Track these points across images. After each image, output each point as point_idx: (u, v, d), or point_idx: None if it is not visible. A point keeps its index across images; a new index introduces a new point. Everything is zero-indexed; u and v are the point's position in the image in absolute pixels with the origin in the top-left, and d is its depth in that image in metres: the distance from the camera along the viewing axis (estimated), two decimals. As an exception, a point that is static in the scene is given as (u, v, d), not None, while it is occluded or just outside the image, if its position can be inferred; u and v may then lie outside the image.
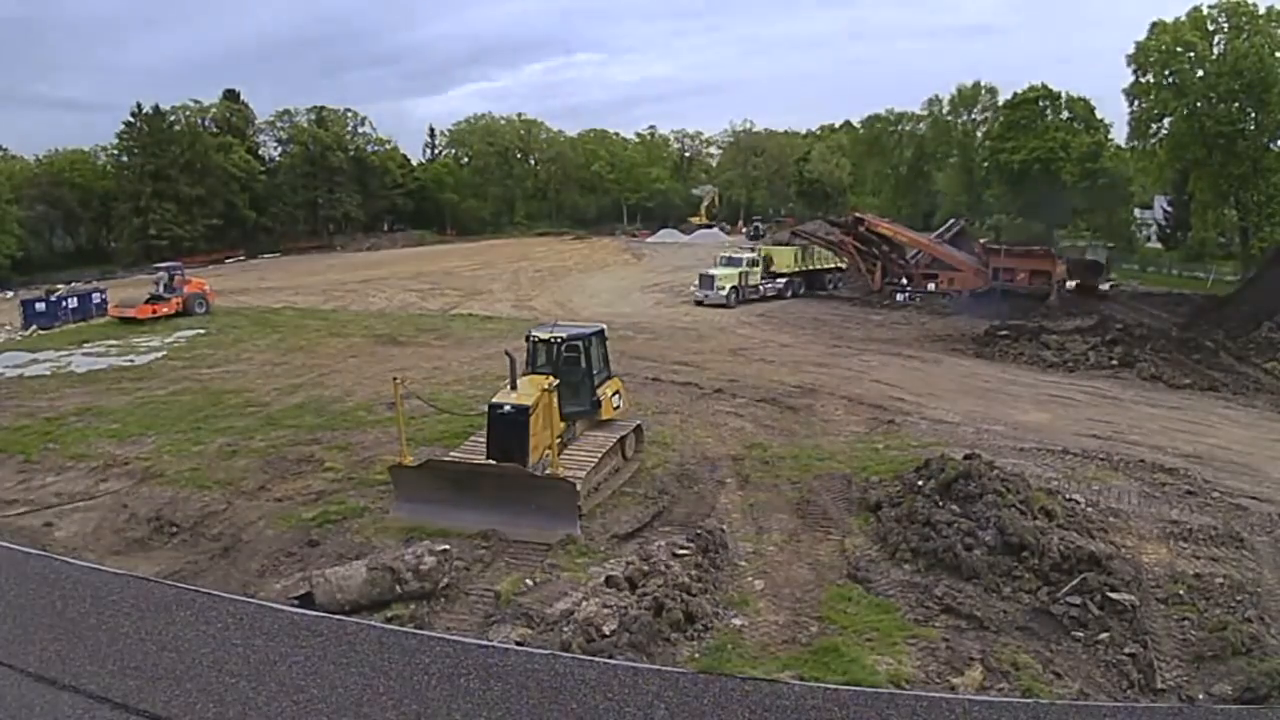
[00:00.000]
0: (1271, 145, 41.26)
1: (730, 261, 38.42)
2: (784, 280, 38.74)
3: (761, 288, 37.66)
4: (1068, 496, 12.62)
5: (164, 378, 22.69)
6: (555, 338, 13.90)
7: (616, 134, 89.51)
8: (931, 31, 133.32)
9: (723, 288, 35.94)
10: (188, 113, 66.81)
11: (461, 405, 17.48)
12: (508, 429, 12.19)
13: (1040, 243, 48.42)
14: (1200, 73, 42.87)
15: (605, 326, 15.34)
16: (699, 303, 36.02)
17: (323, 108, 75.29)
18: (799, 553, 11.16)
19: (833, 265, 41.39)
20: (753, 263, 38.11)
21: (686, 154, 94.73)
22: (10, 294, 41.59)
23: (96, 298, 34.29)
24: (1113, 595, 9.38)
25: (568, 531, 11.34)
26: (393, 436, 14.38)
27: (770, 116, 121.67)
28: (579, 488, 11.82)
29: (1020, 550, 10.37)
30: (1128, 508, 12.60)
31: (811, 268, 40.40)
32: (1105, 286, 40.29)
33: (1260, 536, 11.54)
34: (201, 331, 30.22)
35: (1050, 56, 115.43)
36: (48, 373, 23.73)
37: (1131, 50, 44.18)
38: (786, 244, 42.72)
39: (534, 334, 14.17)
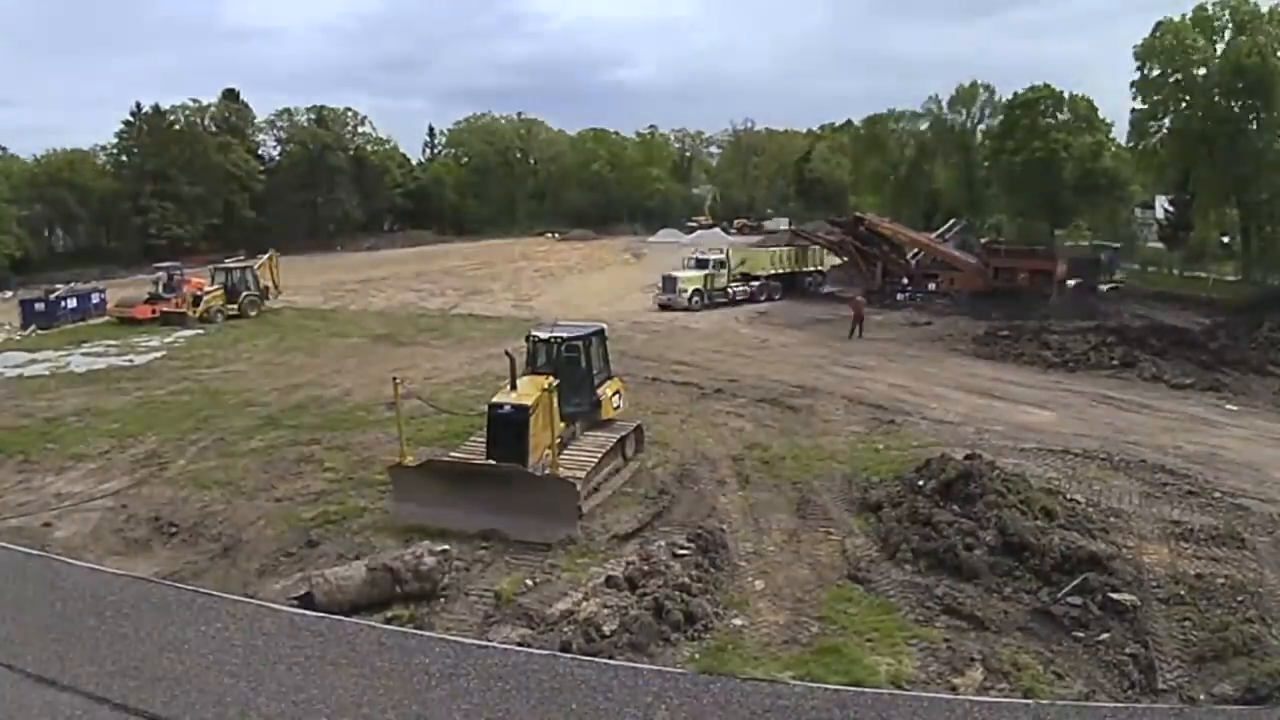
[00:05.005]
0: (1275, 144, 41.18)
1: (697, 263, 37.25)
2: (758, 283, 37.67)
3: (730, 290, 36.40)
4: (1069, 496, 12.59)
5: (163, 378, 22.67)
6: (555, 338, 13.88)
7: (616, 133, 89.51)
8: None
9: (685, 290, 34.82)
10: (187, 112, 66.76)
11: (461, 405, 17.44)
12: (507, 429, 12.17)
13: (1041, 242, 48.44)
14: (1204, 71, 42.95)
15: (605, 326, 15.34)
16: (663, 306, 34.65)
17: (322, 107, 75.27)
18: (799, 553, 11.14)
19: (813, 268, 40.90)
20: (719, 264, 36.85)
21: (686, 154, 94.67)
22: (9, 294, 41.53)
23: (95, 298, 34.28)
24: (1114, 595, 9.37)
25: (568, 531, 11.32)
26: (392, 436, 14.37)
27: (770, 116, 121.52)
28: (579, 488, 11.81)
29: (1021, 550, 10.37)
30: (1129, 508, 12.58)
31: (790, 270, 39.57)
32: (1104, 287, 40.22)
33: (1262, 537, 11.52)
34: (201, 331, 30.21)
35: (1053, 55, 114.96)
36: (46, 373, 23.71)
37: (1137, 46, 44.34)
38: (786, 244, 42.64)
39: (534, 334, 14.16)
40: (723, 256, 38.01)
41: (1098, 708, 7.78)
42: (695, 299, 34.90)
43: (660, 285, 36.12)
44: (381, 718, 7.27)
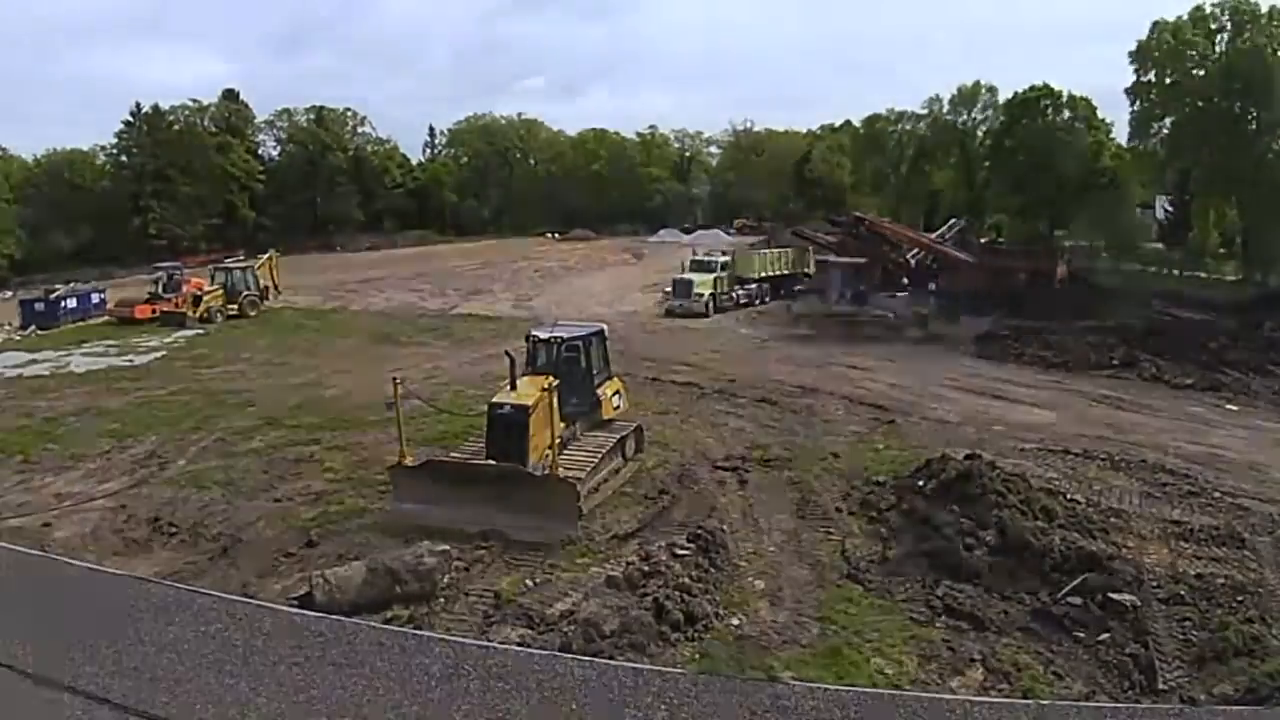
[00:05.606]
0: (1274, 144, 41.18)
1: (703, 266, 35.60)
2: (753, 286, 36.51)
3: (735, 295, 35.40)
4: (1069, 497, 12.59)
5: (163, 378, 22.67)
6: (555, 338, 13.88)
7: (616, 133, 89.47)
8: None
9: (700, 295, 33.33)
10: (186, 112, 66.79)
11: (461, 405, 17.44)
12: (507, 429, 12.18)
13: (1041, 242, 48.42)
14: (1201, 72, 42.98)
15: (605, 326, 15.34)
16: (670, 312, 33.10)
17: (322, 107, 75.24)
18: (799, 553, 11.14)
19: (798, 270, 39.75)
20: (724, 267, 35.68)
21: (686, 154, 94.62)
22: (9, 294, 41.54)
23: (95, 298, 34.29)
24: (1114, 596, 9.37)
25: (568, 531, 11.32)
26: (392, 436, 14.34)
27: (770, 116, 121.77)
28: (579, 488, 11.81)
29: (1021, 550, 10.37)
30: (1129, 508, 12.58)
31: (777, 273, 38.51)
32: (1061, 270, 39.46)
33: (1262, 537, 11.52)
34: (201, 331, 30.21)
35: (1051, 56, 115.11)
36: (46, 373, 23.70)
37: (1133, 49, 44.42)
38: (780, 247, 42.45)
39: (534, 334, 14.16)
40: (726, 258, 36.91)
41: (1098, 708, 7.77)
42: (709, 304, 33.54)
43: (671, 290, 34.27)
44: (381, 718, 7.26)
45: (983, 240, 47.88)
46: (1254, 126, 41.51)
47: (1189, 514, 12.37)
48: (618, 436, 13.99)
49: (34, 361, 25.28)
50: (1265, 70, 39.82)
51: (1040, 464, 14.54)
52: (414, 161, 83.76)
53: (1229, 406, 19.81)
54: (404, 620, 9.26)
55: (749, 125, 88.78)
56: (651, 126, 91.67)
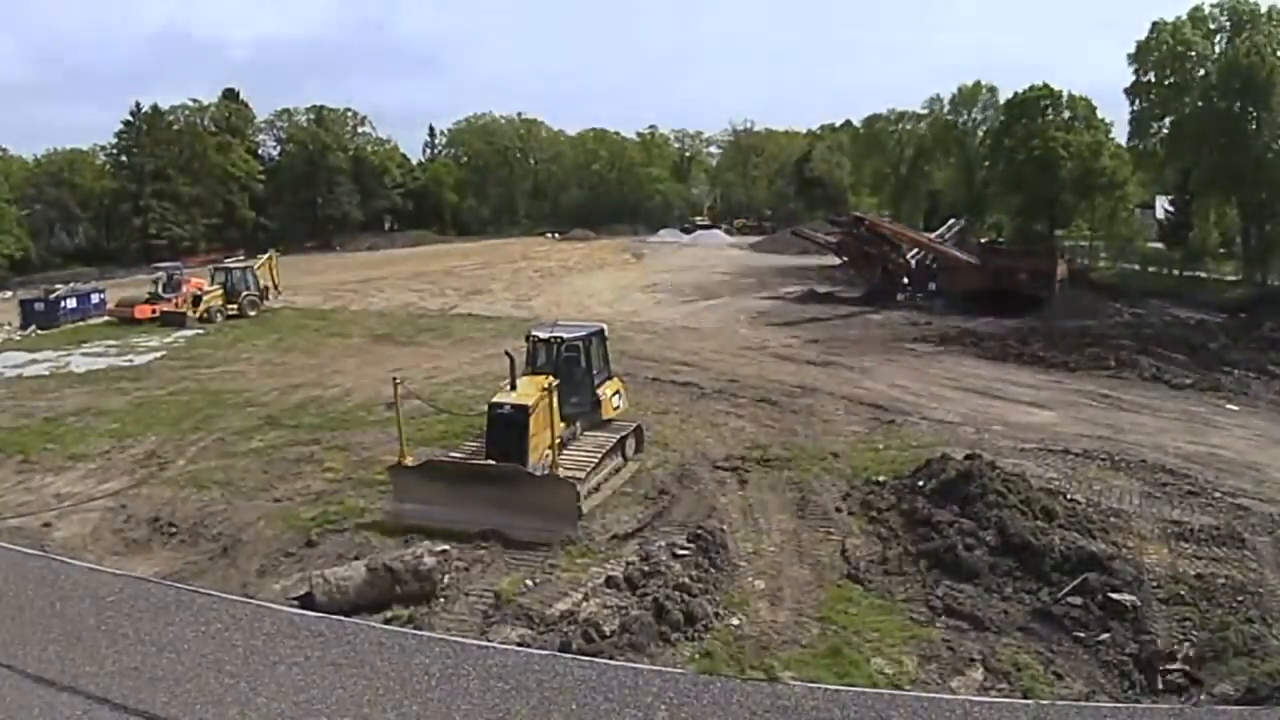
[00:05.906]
0: (1273, 144, 41.20)
1: None
2: None
3: None
4: (1069, 497, 12.58)
5: (163, 378, 22.65)
6: (555, 338, 13.89)
7: (616, 133, 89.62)
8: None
9: None
10: (186, 112, 66.87)
11: (461, 405, 17.45)
12: (507, 429, 12.18)
13: (1041, 242, 48.45)
14: (1201, 72, 43.06)
15: (605, 326, 15.35)
16: None
17: (322, 107, 75.41)
18: (799, 553, 11.13)
19: None
20: None
21: (686, 154, 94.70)
22: (9, 294, 41.55)
23: (95, 298, 34.27)
24: (1114, 596, 9.36)
25: (568, 531, 11.32)
26: (392, 436, 14.35)
27: (770, 116, 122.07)
28: (579, 488, 11.81)
29: (1021, 550, 10.36)
30: (1129, 508, 12.56)
31: None
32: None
33: (1262, 537, 11.51)
34: (201, 331, 30.21)
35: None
36: (46, 373, 23.69)
37: (1132, 49, 44.54)
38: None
39: (534, 334, 14.17)
40: None
41: (1098, 708, 7.78)
42: None
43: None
44: (381, 718, 7.27)
45: (982, 240, 47.88)
46: (1254, 126, 41.52)
47: (1189, 514, 12.35)
48: (618, 436, 13.99)
49: (34, 361, 25.25)
50: (1264, 70, 39.86)
51: (1040, 464, 14.52)
52: (414, 161, 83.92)
53: (1229, 406, 19.78)
54: (404, 620, 9.25)
55: (749, 125, 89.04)
56: (651, 126, 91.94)
